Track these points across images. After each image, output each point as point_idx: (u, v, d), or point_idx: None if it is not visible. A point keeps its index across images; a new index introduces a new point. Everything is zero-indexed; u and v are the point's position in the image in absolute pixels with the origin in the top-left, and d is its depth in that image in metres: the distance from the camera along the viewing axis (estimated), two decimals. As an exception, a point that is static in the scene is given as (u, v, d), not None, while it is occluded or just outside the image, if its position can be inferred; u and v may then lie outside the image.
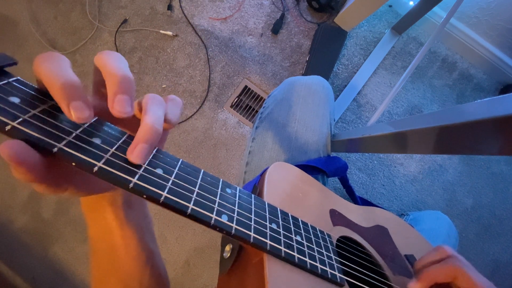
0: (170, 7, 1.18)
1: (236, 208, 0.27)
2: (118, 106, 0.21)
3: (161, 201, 0.22)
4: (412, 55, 1.22)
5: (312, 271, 0.30)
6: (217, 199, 0.26)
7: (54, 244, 1.22)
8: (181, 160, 0.27)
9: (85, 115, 0.19)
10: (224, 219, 0.25)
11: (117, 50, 1.17)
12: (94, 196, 0.28)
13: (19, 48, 1.20)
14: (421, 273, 0.35)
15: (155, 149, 0.26)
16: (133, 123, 0.25)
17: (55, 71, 0.19)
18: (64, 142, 0.20)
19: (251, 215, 0.28)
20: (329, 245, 0.35)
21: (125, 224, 0.30)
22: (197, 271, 1.18)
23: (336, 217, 0.42)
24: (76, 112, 0.19)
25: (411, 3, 1.16)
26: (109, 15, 1.19)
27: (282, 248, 0.28)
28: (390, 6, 1.22)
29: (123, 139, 0.24)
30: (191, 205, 0.24)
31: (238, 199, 0.29)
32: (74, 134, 0.21)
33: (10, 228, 1.22)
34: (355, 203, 0.49)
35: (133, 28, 1.18)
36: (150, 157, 0.24)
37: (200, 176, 0.27)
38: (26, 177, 0.19)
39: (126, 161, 0.22)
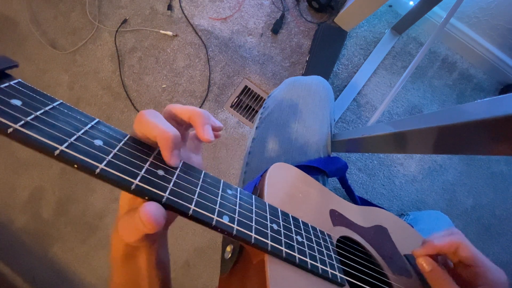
0: (170, 7, 1.18)
1: (237, 209, 0.28)
2: (208, 133, 0.27)
3: (162, 203, 0.22)
4: (412, 55, 1.22)
5: (313, 271, 0.30)
6: (218, 200, 0.27)
7: (54, 244, 1.22)
8: (182, 161, 0.27)
9: (178, 161, 0.26)
10: (225, 220, 0.25)
11: (117, 50, 1.17)
12: (138, 242, 0.29)
13: (19, 48, 1.20)
14: (426, 242, 0.39)
15: (156, 151, 0.26)
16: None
17: (162, 126, 0.24)
18: (66, 144, 0.20)
19: (252, 216, 0.29)
20: (329, 245, 0.35)
21: (153, 266, 0.31)
22: (197, 271, 1.18)
23: (336, 217, 0.42)
24: (175, 158, 0.25)
25: (411, 3, 1.16)
26: (109, 15, 1.19)
27: (283, 248, 0.28)
28: (390, 6, 1.22)
29: (124, 140, 0.24)
30: (192, 206, 0.24)
31: (239, 200, 0.29)
32: (76, 136, 0.21)
33: (10, 228, 1.22)
34: (354, 203, 0.49)
35: (133, 28, 1.18)
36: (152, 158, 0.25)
37: (201, 177, 0.27)
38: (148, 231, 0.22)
39: (128, 162, 0.22)
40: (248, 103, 1.18)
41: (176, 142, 0.24)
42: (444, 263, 0.40)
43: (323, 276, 0.30)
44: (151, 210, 0.21)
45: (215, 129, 0.30)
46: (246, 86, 1.18)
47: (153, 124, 0.24)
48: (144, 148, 0.25)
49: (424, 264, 0.37)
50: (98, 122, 0.23)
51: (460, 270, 0.37)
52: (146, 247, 0.30)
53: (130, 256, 0.30)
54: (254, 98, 1.18)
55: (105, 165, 0.21)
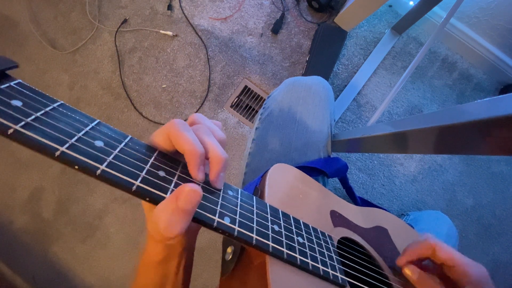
0: (170, 7, 1.18)
1: (238, 210, 0.27)
2: (219, 183, 0.28)
3: None
4: (412, 55, 1.22)
5: (314, 272, 0.30)
6: (219, 201, 0.26)
7: (54, 244, 1.22)
8: (182, 162, 0.27)
9: (203, 178, 0.27)
10: (226, 221, 0.25)
11: (117, 50, 1.17)
12: (171, 244, 0.29)
13: (19, 48, 1.19)
14: (405, 250, 0.40)
15: (156, 152, 0.26)
16: None
17: (193, 142, 0.25)
18: (66, 145, 0.20)
19: (253, 217, 0.28)
20: (330, 246, 0.35)
21: (181, 272, 0.32)
22: (197, 271, 1.18)
23: (337, 218, 0.42)
24: (201, 174, 0.26)
25: (411, 3, 1.16)
26: (109, 15, 1.19)
27: (284, 250, 0.28)
28: (390, 6, 1.22)
29: (125, 141, 0.24)
30: None
31: (240, 201, 0.29)
32: (76, 137, 0.21)
33: (10, 228, 1.22)
34: (355, 204, 0.49)
35: (133, 28, 1.18)
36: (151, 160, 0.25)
37: None
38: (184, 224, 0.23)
39: (129, 163, 0.22)
40: (248, 103, 1.18)
41: (202, 158, 0.25)
42: (431, 265, 0.40)
43: (324, 277, 0.30)
44: (192, 185, 0.22)
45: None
46: (246, 86, 1.18)
47: (184, 137, 0.25)
48: (145, 149, 0.25)
49: (410, 273, 0.38)
50: (98, 123, 0.23)
51: (446, 271, 0.37)
52: (179, 252, 0.30)
53: (165, 261, 0.30)
54: (254, 98, 1.18)
55: (106, 166, 0.21)
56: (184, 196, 0.21)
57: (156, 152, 0.26)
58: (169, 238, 0.23)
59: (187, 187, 0.22)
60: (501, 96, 0.29)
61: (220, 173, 0.27)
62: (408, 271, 0.38)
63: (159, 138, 0.26)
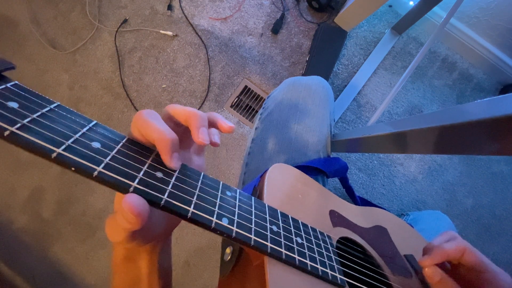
0: (170, 7, 1.18)
1: (236, 211, 0.27)
2: (202, 135, 0.26)
3: (161, 205, 0.22)
4: (412, 55, 1.22)
5: (313, 273, 0.30)
6: (218, 202, 0.26)
7: (54, 244, 1.22)
8: (181, 162, 0.27)
9: (179, 164, 0.25)
10: (224, 222, 0.25)
11: (117, 50, 1.17)
12: (137, 245, 0.28)
13: (19, 48, 1.19)
14: (433, 250, 0.37)
15: (155, 153, 0.26)
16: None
17: (161, 129, 0.24)
18: (63, 147, 0.20)
19: (252, 217, 0.28)
20: (329, 246, 0.35)
21: (154, 272, 0.31)
22: (197, 271, 1.18)
23: (336, 218, 0.42)
24: (175, 161, 0.24)
25: (411, 3, 1.15)
26: (109, 15, 1.19)
27: (283, 250, 0.28)
28: (390, 6, 1.22)
29: (122, 142, 0.24)
30: (191, 209, 0.23)
31: (238, 202, 0.29)
32: (73, 138, 0.21)
33: (10, 228, 1.22)
34: (354, 204, 0.49)
35: (133, 28, 1.18)
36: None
37: (200, 179, 0.27)
38: (132, 227, 0.21)
39: (126, 165, 0.22)
40: (248, 103, 1.18)
41: (175, 145, 0.24)
42: (448, 266, 0.40)
43: (323, 277, 0.30)
44: (133, 201, 0.20)
45: (225, 130, 0.29)
46: (246, 86, 1.18)
47: (151, 126, 0.23)
48: (142, 150, 0.25)
49: (433, 274, 0.36)
50: (96, 124, 0.23)
51: (462, 271, 0.36)
52: (147, 252, 0.30)
53: (130, 260, 0.30)
54: (254, 98, 1.18)
55: (103, 168, 0.20)
56: (121, 214, 0.21)
57: (154, 153, 0.26)
58: (115, 242, 0.24)
59: (127, 202, 0.20)
60: (501, 96, 0.29)
61: (200, 128, 0.26)
62: (430, 272, 0.36)
63: (135, 135, 0.25)
